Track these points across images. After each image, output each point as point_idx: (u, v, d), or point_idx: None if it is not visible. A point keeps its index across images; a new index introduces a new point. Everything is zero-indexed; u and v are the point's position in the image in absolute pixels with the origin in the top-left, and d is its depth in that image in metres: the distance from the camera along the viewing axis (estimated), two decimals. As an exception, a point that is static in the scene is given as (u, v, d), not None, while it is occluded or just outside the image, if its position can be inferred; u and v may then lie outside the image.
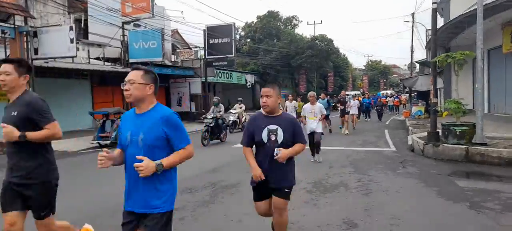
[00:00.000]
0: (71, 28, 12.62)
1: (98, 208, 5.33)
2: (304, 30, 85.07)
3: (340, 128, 15.71)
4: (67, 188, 6.86)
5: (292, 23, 42.38)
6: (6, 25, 12.07)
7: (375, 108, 23.29)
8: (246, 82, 32.71)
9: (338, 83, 45.20)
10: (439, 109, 11.99)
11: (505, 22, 12.89)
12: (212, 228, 4.33)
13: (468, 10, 12.49)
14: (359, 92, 17.88)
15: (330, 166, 7.94)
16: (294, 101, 15.58)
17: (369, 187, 6.05)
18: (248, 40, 39.25)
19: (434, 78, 10.86)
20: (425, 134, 10.48)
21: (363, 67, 70.01)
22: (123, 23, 17.60)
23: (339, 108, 16.26)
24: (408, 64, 46.02)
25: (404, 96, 36.69)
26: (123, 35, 17.59)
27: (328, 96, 17.23)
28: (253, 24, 39.28)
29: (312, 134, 8.12)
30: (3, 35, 11.90)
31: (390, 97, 32.91)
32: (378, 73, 67.36)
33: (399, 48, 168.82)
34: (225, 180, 6.85)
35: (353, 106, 15.77)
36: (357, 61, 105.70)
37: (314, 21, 41.71)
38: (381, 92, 42.64)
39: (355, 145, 11.30)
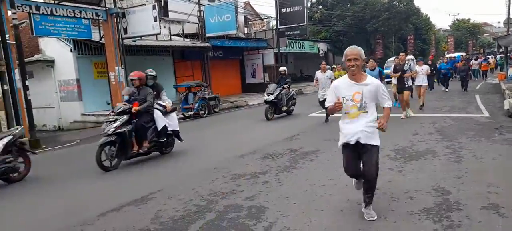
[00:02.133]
0: (154, 7, 13.48)
1: (195, 169, 5.83)
2: (380, -8, 79.24)
3: (394, 105, 9.77)
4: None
5: (367, -15, 39.83)
6: (99, 8, 13.33)
7: (459, 75, 18.53)
8: (319, 51, 31.96)
9: (419, 46, 41.81)
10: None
11: None
12: (296, 191, 4.49)
13: None
14: (411, 56, 12.05)
15: (414, 133, 7.57)
16: (329, 71, 10.78)
17: (460, 154, 5.67)
18: (320, 7, 37.91)
19: (539, 34, 9.50)
20: (527, 97, 9.35)
21: (448, 28, 63.52)
22: (199, -1, 18.25)
23: (392, 79, 10.66)
24: (504, 21, 40.69)
25: (492, 59, 32.00)
26: (200, 11, 18.28)
27: (378, 63, 10.48)
28: (324, -11, 37.84)
29: (355, 149, 3.51)
30: (97, 17, 13.19)
31: (475, 60, 26.25)
32: (466, 33, 60.65)
33: (491, 4, 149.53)
34: (304, 146, 6.96)
35: (419, 75, 11.21)
36: (441, 21, 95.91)
37: (392, -19, 38.62)
38: (455, 54, 33.70)
39: (441, 111, 10.54)
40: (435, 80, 18.68)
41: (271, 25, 27.35)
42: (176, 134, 7.36)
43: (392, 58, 21.03)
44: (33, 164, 6.44)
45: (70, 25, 12.44)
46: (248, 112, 14.12)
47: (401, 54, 10.54)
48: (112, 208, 4.34)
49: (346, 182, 4.69)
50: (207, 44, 18.34)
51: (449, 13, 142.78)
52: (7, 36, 9.90)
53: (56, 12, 11.80)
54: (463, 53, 34.54)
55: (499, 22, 61.49)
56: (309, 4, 33.39)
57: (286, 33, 24.26)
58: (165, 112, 7.16)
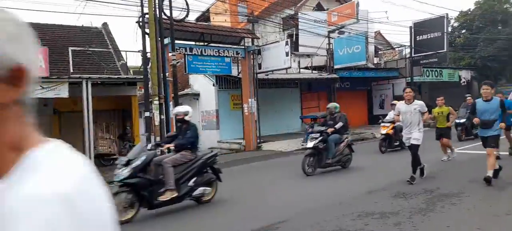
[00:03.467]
0: (286, 43, 14.41)
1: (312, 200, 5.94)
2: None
3: None
4: (284, 182, 7.90)
5: (526, 2, 34.11)
6: (239, 47, 14.93)
7: None
8: (460, 79, 28.59)
9: None
10: None
11: None
12: (434, 237, 4.13)
13: None
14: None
15: None
16: (418, 102, 7.05)
17: None
18: (463, 31, 34.09)
19: None
20: None
21: None
22: (329, 32, 18.64)
23: None
24: None
25: None
26: (329, 44, 18.62)
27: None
28: (469, 12, 33.87)
29: None
30: (236, 55, 14.77)
31: None
32: None
33: None
34: (443, 188, 6.32)
35: None
36: None
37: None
38: None
39: None
40: None
41: (404, 54, 25.86)
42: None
43: None
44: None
45: (215, 63, 14.24)
46: (375, 145, 13.48)
47: None
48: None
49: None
50: (334, 75, 18.45)
51: None
52: (167, 74, 11.93)
53: (205, 52, 13.70)
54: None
55: None
56: (449, 29, 30.49)
57: (421, 62, 22.58)
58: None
